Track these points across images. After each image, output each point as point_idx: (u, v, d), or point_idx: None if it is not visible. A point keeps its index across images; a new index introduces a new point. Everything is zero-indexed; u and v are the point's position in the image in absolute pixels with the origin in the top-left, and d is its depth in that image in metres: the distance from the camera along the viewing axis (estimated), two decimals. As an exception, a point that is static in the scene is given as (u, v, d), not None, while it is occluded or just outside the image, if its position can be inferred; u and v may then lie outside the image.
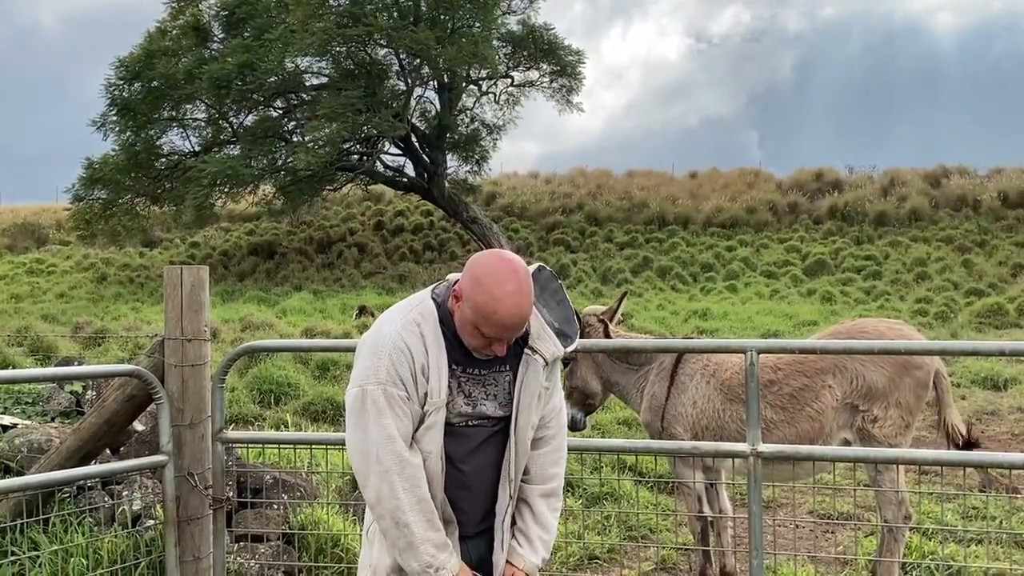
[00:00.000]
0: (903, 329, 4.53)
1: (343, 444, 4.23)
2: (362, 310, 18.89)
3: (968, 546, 5.19)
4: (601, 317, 5.08)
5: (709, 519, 4.71)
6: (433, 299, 2.39)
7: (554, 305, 2.48)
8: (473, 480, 2.44)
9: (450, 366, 2.35)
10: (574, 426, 5.01)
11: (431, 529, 2.30)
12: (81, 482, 4.11)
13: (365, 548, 2.55)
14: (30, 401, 5.66)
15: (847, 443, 4.44)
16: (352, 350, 2.56)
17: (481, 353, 2.35)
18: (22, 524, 3.85)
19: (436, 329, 2.34)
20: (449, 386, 2.35)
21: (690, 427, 4.68)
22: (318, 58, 28.28)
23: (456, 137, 29.58)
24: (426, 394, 2.32)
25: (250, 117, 29.09)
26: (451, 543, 2.39)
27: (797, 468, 4.41)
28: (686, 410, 4.69)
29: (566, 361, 2.27)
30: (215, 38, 29.52)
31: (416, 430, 2.34)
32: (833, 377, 4.44)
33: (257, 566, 4.19)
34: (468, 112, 30.37)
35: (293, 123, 28.76)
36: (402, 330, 2.32)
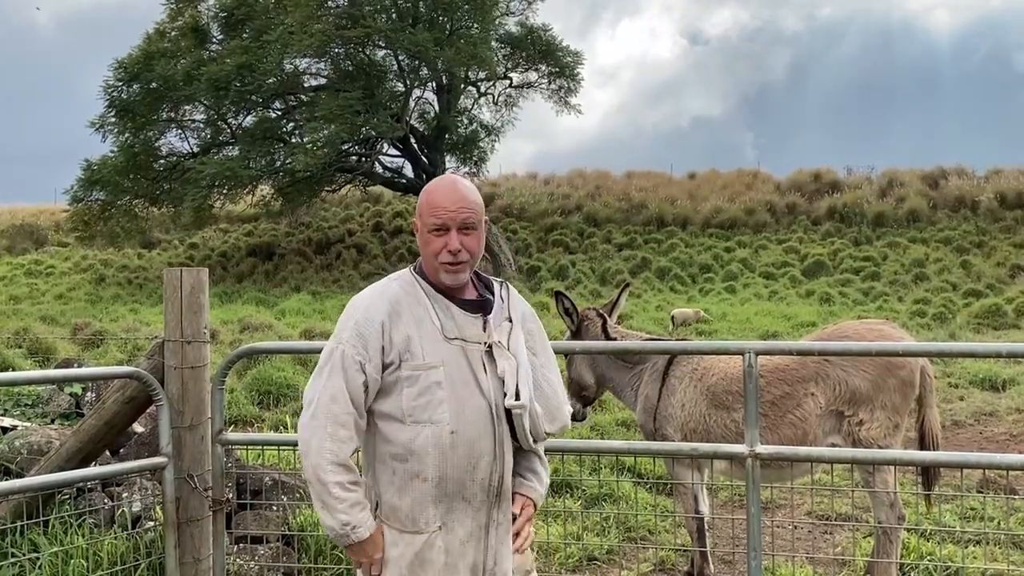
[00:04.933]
0: (884, 330, 4.52)
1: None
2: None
3: (966, 547, 5.20)
4: (600, 311, 5.09)
5: (705, 518, 4.72)
6: (411, 269, 2.56)
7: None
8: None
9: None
10: (574, 416, 5.02)
11: (347, 490, 2.38)
12: (81, 484, 4.12)
13: None
14: (30, 403, 5.68)
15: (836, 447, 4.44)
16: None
17: (450, 269, 2.43)
18: (22, 526, 3.86)
19: (415, 290, 2.47)
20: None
21: (679, 429, 4.69)
22: (317, 59, 28.34)
23: (455, 138, 29.59)
24: (399, 356, 2.39)
25: (249, 118, 29.11)
26: (368, 504, 2.42)
27: (785, 471, 4.42)
28: (675, 412, 4.70)
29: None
30: (214, 39, 29.54)
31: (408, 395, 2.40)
32: (815, 385, 4.43)
33: (257, 567, 4.20)
34: (467, 113, 30.39)
35: (292, 124, 28.76)
36: (375, 294, 2.47)
